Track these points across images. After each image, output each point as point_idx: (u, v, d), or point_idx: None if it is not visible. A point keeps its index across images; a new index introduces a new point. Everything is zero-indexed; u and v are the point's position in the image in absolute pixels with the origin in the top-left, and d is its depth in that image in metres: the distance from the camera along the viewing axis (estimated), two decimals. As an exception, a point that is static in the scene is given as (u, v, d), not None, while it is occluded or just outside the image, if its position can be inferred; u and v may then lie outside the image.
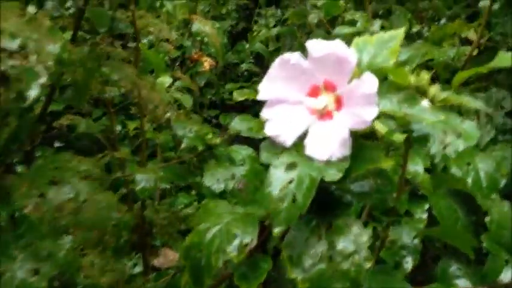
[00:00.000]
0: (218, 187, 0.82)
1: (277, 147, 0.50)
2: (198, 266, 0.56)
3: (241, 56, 2.04)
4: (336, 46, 0.48)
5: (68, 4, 0.85)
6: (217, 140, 0.88)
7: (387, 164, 0.48)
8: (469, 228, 0.98)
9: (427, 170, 0.81)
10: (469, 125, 0.52)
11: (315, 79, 0.50)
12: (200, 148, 0.88)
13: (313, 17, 1.40)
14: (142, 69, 1.20)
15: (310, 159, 0.49)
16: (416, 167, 0.77)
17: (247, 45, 2.00)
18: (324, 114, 0.50)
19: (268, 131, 0.50)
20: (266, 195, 0.47)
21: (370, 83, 0.46)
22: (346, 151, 0.48)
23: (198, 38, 1.46)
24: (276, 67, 0.50)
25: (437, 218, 0.96)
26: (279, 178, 0.48)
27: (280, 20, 1.79)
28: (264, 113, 0.51)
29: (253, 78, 1.97)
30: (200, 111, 1.70)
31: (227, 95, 1.84)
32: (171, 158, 1.12)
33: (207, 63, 1.64)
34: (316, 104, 0.50)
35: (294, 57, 0.50)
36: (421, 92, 0.58)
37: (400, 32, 0.53)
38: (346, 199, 0.55)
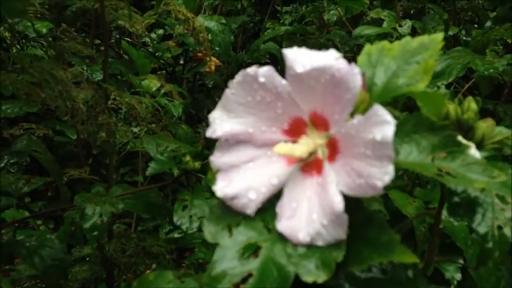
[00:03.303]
0: (190, 227, 0.64)
1: (233, 216, 0.31)
2: None
3: (255, 56, 1.85)
4: (329, 59, 0.29)
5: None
6: (197, 164, 0.69)
7: (407, 259, 0.29)
8: (514, 291, 0.77)
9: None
10: (544, 192, 0.33)
11: (297, 109, 0.32)
12: (175, 173, 0.71)
13: (331, 15, 1.21)
14: (128, 70, 1.04)
15: (283, 239, 0.30)
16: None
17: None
18: (309, 166, 0.32)
19: (220, 189, 0.32)
20: (206, 298, 0.29)
21: (381, 123, 0.27)
22: (341, 233, 0.29)
23: (202, 35, 1.28)
24: (235, 88, 0.32)
25: (473, 277, 0.75)
26: (227, 271, 0.29)
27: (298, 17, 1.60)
28: (215, 160, 0.32)
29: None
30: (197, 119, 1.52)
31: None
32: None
33: (212, 63, 1.46)
34: (298, 149, 0.31)
35: (264, 73, 0.31)
36: (465, 130, 0.39)
37: (437, 38, 0.34)
38: (343, 290, 0.36)
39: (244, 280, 0.29)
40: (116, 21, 0.74)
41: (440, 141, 0.32)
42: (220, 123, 0.32)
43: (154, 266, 0.79)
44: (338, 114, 0.30)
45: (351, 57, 0.39)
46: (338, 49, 1.15)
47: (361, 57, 0.35)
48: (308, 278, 0.28)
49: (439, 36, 0.34)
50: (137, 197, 0.71)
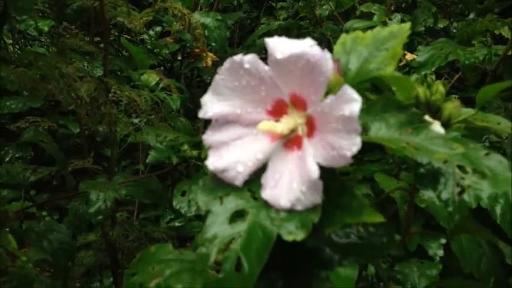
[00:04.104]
0: (188, 211, 0.68)
1: (223, 187, 0.36)
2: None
3: (251, 51, 1.89)
4: (305, 47, 0.33)
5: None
6: (194, 152, 0.74)
7: (374, 219, 0.33)
8: (496, 267, 0.82)
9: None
10: (497, 162, 0.37)
11: (278, 92, 0.36)
12: (174, 161, 0.75)
13: (323, 10, 1.25)
14: (127, 66, 1.08)
15: (267, 206, 0.34)
16: (431, 193, 0.62)
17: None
18: (290, 142, 0.36)
19: (212, 163, 0.36)
20: (201, 258, 0.33)
21: (349, 100, 0.31)
22: (317, 198, 0.33)
23: (197, 31, 1.32)
24: (224, 73, 0.36)
25: (456, 255, 0.80)
26: (218, 233, 0.33)
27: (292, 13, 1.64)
28: (207, 138, 0.36)
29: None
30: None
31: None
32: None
33: (209, 58, 1.49)
34: (279, 126, 0.35)
35: (248, 60, 0.35)
36: (434, 110, 0.43)
37: (405, 28, 0.38)
38: (324, 254, 0.41)
39: (233, 241, 0.33)
40: (115, 19, 0.78)
41: (406, 119, 0.36)
42: (211, 105, 0.36)
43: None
44: (314, 95, 0.34)
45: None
46: (330, 43, 1.19)
47: (337, 46, 0.39)
48: (288, 237, 0.32)
49: (407, 25, 0.38)
50: (138, 184, 0.75)
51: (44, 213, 1.19)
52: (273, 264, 0.39)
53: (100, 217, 0.67)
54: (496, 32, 1.11)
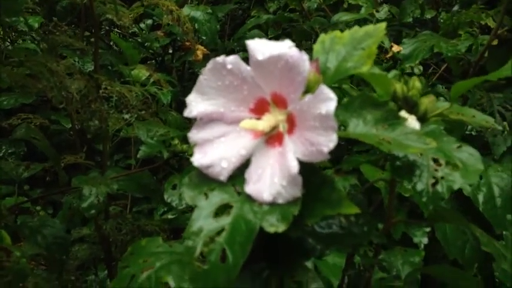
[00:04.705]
0: (180, 203, 0.70)
1: (208, 183, 0.37)
2: (119, 323, 0.44)
3: (242, 44, 1.90)
4: (284, 48, 0.34)
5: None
6: (185, 146, 0.75)
7: (351, 211, 0.35)
8: (480, 254, 0.84)
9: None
10: (468, 155, 0.39)
11: (260, 91, 0.37)
12: (165, 155, 0.76)
13: (311, 2, 1.26)
14: (118, 60, 1.09)
15: (250, 199, 0.36)
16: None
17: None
18: (272, 138, 0.38)
19: (197, 160, 0.37)
20: (187, 250, 0.35)
21: (325, 99, 0.33)
22: (297, 191, 0.35)
23: (186, 25, 1.32)
24: (207, 74, 0.37)
25: (441, 242, 0.82)
26: (204, 227, 0.35)
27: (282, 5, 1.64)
28: (192, 136, 0.38)
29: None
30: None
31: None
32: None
33: (199, 51, 1.50)
34: (261, 124, 0.37)
35: (231, 60, 0.37)
36: (411, 105, 0.45)
37: (381, 27, 0.40)
38: (307, 244, 0.43)
39: (218, 233, 0.35)
40: (105, 14, 0.79)
41: (382, 115, 0.38)
42: (196, 104, 0.38)
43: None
44: (293, 93, 0.35)
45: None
46: (317, 36, 1.20)
47: (317, 45, 0.41)
48: (270, 229, 0.34)
49: (382, 25, 0.40)
50: (130, 179, 0.77)
51: (38, 207, 1.20)
52: (258, 255, 0.41)
53: (93, 211, 0.68)
54: (482, 23, 1.13)
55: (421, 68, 1.23)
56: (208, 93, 0.38)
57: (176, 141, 0.75)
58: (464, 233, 0.82)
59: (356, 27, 0.40)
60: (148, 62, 1.59)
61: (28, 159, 1.05)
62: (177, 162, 1.02)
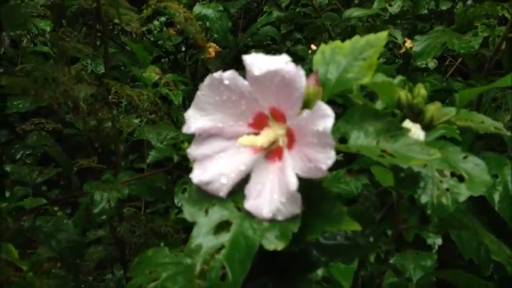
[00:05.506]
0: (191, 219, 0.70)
1: (208, 199, 0.37)
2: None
3: (256, 39, 1.89)
4: (279, 63, 0.34)
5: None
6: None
7: (352, 227, 0.35)
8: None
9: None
10: (474, 165, 0.38)
11: (258, 105, 0.37)
12: (175, 159, 0.77)
13: (323, -3, 1.24)
14: (130, 61, 1.09)
15: (250, 216, 0.36)
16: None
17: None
18: (272, 153, 0.37)
19: (196, 176, 0.37)
20: (187, 268, 0.35)
21: (322, 116, 0.32)
22: (296, 209, 0.34)
23: (199, 23, 1.32)
24: (205, 89, 0.37)
25: (456, 243, 0.81)
26: (203, 244, 0.35)
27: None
28: (191, 152, 0.38)
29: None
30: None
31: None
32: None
33: (212, 49, 1.50)
34: (259, 140, 0.37)
35: (227, 76, 0.36)
36: (416, 113, 0.44)
37: (382, 36, 0.39)
38: (311, 256, 0.42)
39: (218, 250, 0.35)
40: (115, 17, 0.79)
41: (383, 127, 0.37)
42: (194, 120, 0.38)
43: (162, 244, 0.86)
44: (290, 109, 0.35)
45: (342, 39, 0.43)
46: (329, 32, 1.18)
47: (317, 56, 0.40)
48: (270, 246, 0.34)
49: (383, 34, 0.39)
50: (142, 183, 0.78)
51: (56, 208, 1.22)
52: (261, 269, 0.41)
53: (104, 217, 0.69)
54: (500, 14, 1.10)
55: (436, 61, 1.20)
56: (206, 109, 0.37)
57: (186, 145, 0.75)
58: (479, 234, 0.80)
59: (357, 37, 0.40)
60: (162, 61, 1.59)
61: (45, 161, 1.07)
62: (188, 165, 1.02)
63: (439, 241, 0.75)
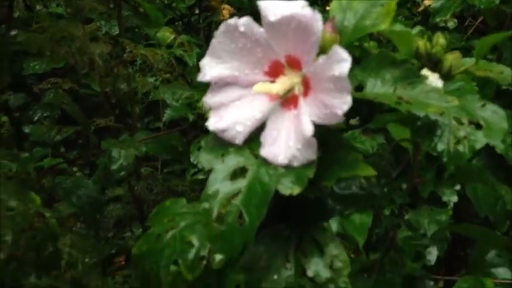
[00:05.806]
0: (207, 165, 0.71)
1: (224, 146, 0.38)
2: (146, 280, 0.46)
3: (271, 0, 1.85)
4: (296, 8, 0.33)
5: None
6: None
7: (367, 173, 0.35)
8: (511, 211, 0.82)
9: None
10: (492, 113, 0.37)
11: (274, 53, 0.37)
12: (190, 118, 0.77)
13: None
14: (144, 22, 1.09)
15: (266, 162, 0.36)
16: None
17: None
18: (287, 101, 0.37)
19: (212, 124, 0.38)
20: (205, 212, 0.36)
21: (339, 60, 0.32)
22: (312, 154, 0.35)
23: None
24: (220, 37, 0.37)
25: (471, 200, 0.81)
26: (220, 190, 0.36)
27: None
28: (207, 100, 0.38)
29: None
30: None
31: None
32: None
33: (226, 11, 1.48)
34: (275, 87, 0.37)
35: (243, 22, 0.36)
36: (434, 62, 0.43)
37: (401, -19, 0.38)
38: (326, 205, 0.43)
39: (234, 196, 0.36)
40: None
41: (401, 74, 0.37)
42: (209, 68, 0.38)
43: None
44: (307, 55, 0.35)
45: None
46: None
47: (333, 4, 0.40)
48: (286, 191, 0.34)
49: (402, -21, 0.38)
50: (159, 141, 0.78)
51: (75, 168, 1.25)
52: (278, 216, 0.41)
53: (123, 173, 0.70)
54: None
55: (455, 21, 1.17)
56: (222, 56, 0.37)
57: (201, 104, 0.75)
58: (495, 190, 0.80)
59: (374, -17, 0.39)
60: (175, 24, 1.58)
61: (63, 122, 1.08)
62: (204, 124, 1.02)
63: (454, 198, 0.75)
